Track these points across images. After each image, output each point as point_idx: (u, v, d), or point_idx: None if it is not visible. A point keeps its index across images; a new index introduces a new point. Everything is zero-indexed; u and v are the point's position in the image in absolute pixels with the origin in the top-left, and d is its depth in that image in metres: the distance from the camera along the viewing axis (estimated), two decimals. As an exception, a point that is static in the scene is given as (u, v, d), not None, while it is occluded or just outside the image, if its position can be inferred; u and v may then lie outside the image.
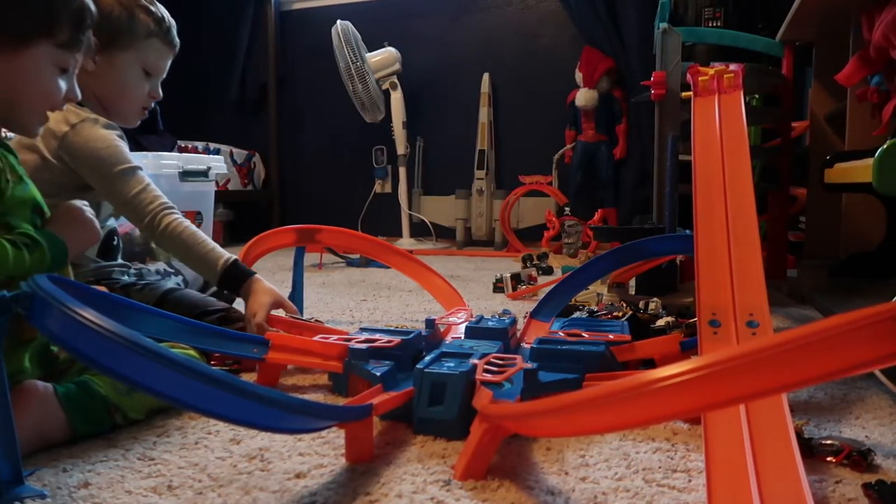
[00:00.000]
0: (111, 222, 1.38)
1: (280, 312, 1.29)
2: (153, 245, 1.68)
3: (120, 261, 1.39)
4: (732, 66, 1.54)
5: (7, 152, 0.91)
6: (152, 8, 1.34)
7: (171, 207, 1.29)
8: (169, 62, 1.41)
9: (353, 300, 1.99)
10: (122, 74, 1.33)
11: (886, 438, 0.87)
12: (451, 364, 0.93)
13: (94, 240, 1.01)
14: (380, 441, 0.85)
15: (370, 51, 3.64)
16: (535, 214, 3.69)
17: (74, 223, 0.96)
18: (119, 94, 1.35)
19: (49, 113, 0.98)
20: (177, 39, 1.40)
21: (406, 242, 3.73)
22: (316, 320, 1.41)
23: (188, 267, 1.37)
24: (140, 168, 1.30)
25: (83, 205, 0.99)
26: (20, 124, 0.97)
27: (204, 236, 1.29)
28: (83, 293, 0.86)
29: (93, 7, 0.98)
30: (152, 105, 1.41)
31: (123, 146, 1.30)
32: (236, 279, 1.27)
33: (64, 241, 0.91)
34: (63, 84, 0.96)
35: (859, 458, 0.77)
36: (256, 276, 1.29)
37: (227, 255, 1.29)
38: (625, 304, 1.45)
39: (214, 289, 1.52)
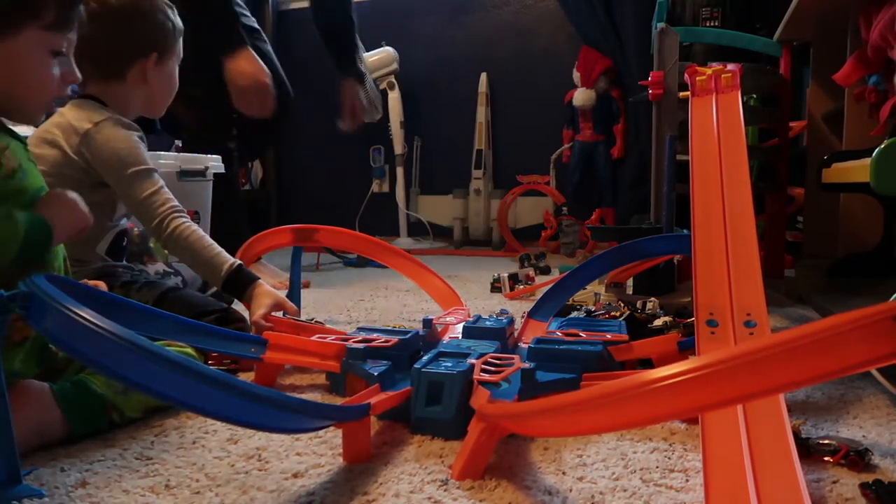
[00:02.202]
0: (124, 223, 1.39)
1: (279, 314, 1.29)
2: (151, 245, 1.68)
3: (125, 262, 1.40)
4: (730, 66, 1.54)
5: (12, 138, 0.88)
6: (170, 5, 1.39)
7: (181, 211, 1.31)
8: None
9: (350, 300, 1.99)
10: (172, 80, 1.41)
11: (884, 438, 0.88)
12: (449, 364, 0.93)
13: (83, 222, 0.92)
14: (377, 441, 0.85)
15: (368, 50, 3.64)
16: (532, 214, 3.69)
17: (59, 205, 0.90)
18: (168, 97, 1.43)
19: (61, 107, 0.95)
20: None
21: (403, 242, 3.72)
22: (317, 322, 1.40)
23: (193, 270, 1.38)
24: (156, 171, 1.32)
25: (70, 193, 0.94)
26: (20, 114, 0.93)
27: (210, 241, 1.30)
28: (82, 293, 0.86)
29: None
30: None
31: (143, 147, 1.33)
32: (240, 284, 1.28)
33: (45, 220, 0.85)
34: (58, 68, 0.92)
35: (856, 457, 0.77)
36: (259, 280, 1.29)
37: (231, 259, 1.29)
38: (622, 304, 1.45)
39: (214, 289, 1.52)
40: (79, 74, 0.96)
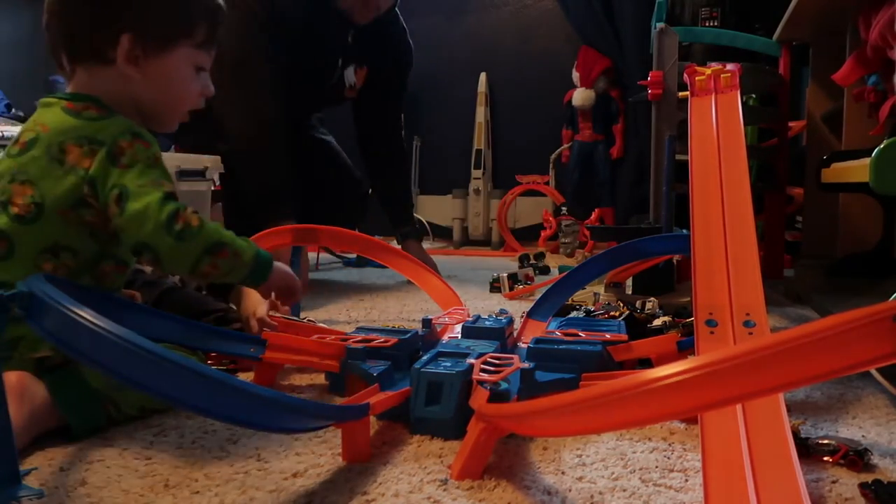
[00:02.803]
0: None
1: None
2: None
3: None
4: (729, 66, 1.54)
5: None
6: None
7: None
8: None
9: (350, 300, 1.99)
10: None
11: (883, 438, 0.88)
12: (448, 364, 0.93)
13: (294, 290, 1.04)
14: (376, 440, 0.85)
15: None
16: (531, 214, 3.70)
17: (278, 266, 0.99)
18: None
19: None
20: None
21: (403, 242, 3.72)
22: (309, 321, 1.40)
23: None
24: None
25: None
26: (162, 123, 1.02)
27: None
28: (81, 293, 0.86)
29: (223, 3, 1.03)
30: None
31: None
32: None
33: (270, 258, 0.97)
34: (199, 83, 1.01)
35: (856, 457, 0.77)
36: None
37: None
38: (621, 304, 1.45)
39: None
40: (213, 89, 1.05)
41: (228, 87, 1.94)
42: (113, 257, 0.94)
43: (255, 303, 1.24)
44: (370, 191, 2.52)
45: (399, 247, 2.31)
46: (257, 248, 0.95)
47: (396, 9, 2.25)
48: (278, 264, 0.99)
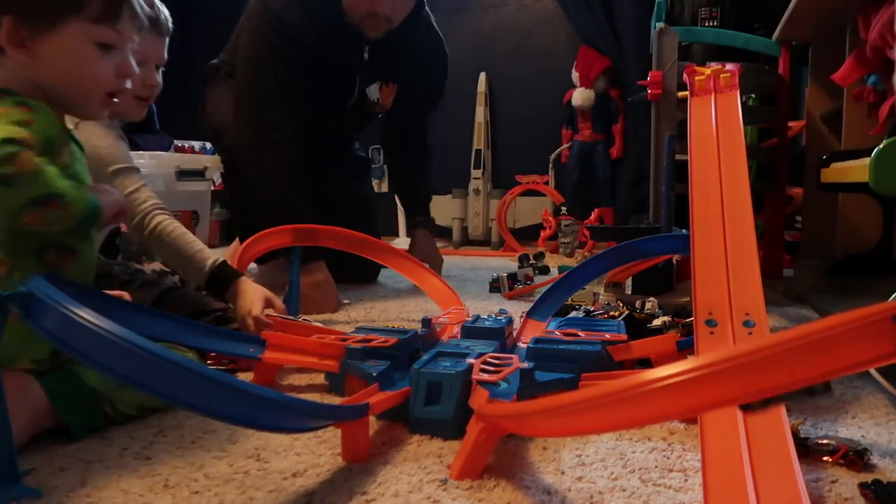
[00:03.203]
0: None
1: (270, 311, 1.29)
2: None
3: (119, 261, 1.40)
4: (729, 66, 1.54)
5: (77, 147, 0.92)
6: None
7: (163, 208, 1.31)
8: None
9: (349, 300, 1.99)
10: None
11: (882, 438, 0.88)
12: (448, 364, 0.93)
13: (120, 207, 0.94)
14: (376, 440, 0.85)
15: (367, 50, 3.63)
16: (531, 214, 3.69)
17: (103, 192, 0.92)
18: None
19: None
20: None
21: (402, 242, 3.72)
22: (304, 319, 1.40)
23: (174, 267, 1.38)
24: (137, 170, 1.32)
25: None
26: (78, 110, 0.95)
27: (192, 237, 1.30)
28: (81, 293, 0.86)
29: None
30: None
31: (123, 146, 1.32)
32: (224, 280, 1.28)
33: (98, 199, 0.88)
34: (112, 62, 0.94)
35: (855, 457, 0.77)
36: (243, 277, 1.29)
37: (214, 255, 1.29)
38: (621, 304, 1.45)
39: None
40: (135, 68, 0.97)
41: (245, 118, 1.92)
42: (54, 245, 0.88)
43: (251, 302, 1.24)
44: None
45: (408, 236, 2.30)
46: (91, 201, 0.86)
47: (430, 17, 2.18)
48: (109, 197, 0.92)
